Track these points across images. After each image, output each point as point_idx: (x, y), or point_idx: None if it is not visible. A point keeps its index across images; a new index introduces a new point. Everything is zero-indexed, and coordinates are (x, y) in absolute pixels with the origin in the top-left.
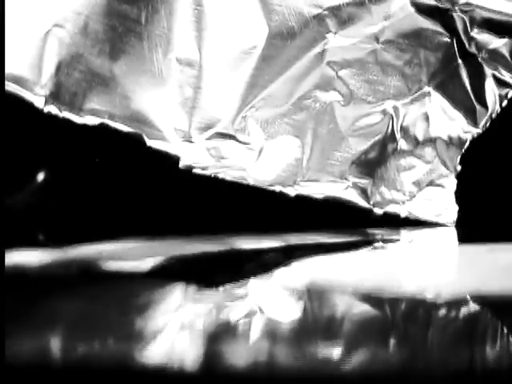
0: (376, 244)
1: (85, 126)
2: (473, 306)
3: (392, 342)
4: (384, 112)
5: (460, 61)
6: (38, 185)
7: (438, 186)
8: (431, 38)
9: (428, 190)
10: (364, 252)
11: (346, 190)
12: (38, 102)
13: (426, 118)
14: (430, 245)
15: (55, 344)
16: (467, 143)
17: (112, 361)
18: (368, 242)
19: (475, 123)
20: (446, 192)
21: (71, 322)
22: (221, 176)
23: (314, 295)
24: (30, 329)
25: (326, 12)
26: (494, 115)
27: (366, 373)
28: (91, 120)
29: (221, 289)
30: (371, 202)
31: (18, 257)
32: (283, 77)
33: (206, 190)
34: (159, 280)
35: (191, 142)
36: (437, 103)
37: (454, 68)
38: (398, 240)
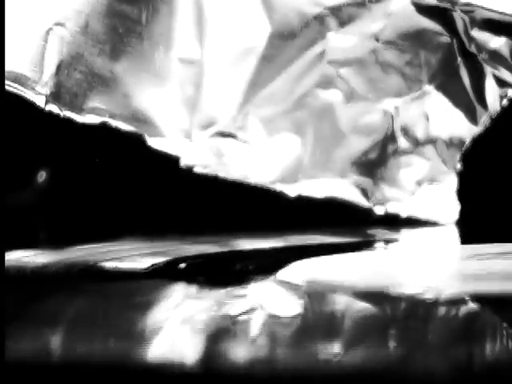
0: (376, 243)
1: (86, 126)
2: (473, 306)
3: (392, 340)
4: (384, 111)
5: (460, 60)
6: (38, 185)
7: (439, 185)
8: (431, 37)
9: (428, 189)
10: (364, 251)
11: (346, 189)
12: (39, 101)
13: (427, 117)
14: (430, 244)
15: (56, 343)
16: (467, 142)
17: (112, 359)
18: (368, 242)
19: (475, 122)
20: (446, 191)
21: (72, 320)
22: (221, 175)
23: (315, 294)
24: (31, 328)
25: (326, 11)
26: (494, 114)
27: (366, 371)
28: (92, 119)
29: (221, 288)
30: (371, 201)
31: (18, 257)
32: (284, 75)
33: (206, 189)
34: (159, 279)
35: (192, 140)
36: (437, 102)
37: (454, 68)
38: (399, 239)
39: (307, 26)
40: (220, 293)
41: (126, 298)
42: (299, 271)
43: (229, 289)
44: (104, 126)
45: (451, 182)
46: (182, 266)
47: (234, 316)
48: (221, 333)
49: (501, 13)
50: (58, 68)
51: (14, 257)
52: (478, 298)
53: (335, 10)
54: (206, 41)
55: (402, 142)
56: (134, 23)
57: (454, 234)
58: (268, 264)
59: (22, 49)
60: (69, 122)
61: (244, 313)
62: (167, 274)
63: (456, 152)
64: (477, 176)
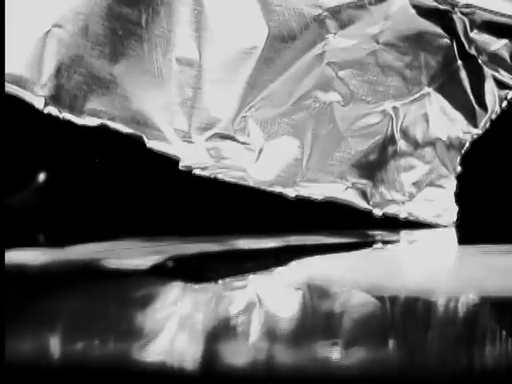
0: (376, 245)
1: (85, 127)
2: (472, 307)
3: (391, 340)
4: (384, 113)
5: (460, 62)
6: (38, 185)
7: (438, 186)
8: (431, 39)
9: (428, 190)
10: (364, 253)
11: (345, 191)
12: (38, 102)
13: (426, 119)
14: (429, 246)
15: (55, 342)
16: (467, 144)
17: (112, 358)
18: (368, 243)
19: (475, 124)
20: (445, 193)
21: (71, 320)
22: (220, 177)
23: (314, 293)
24: (30, 327)
25: (326, 13)
26: (493, 116)
27: (365, 371)
28: (91, 121)
29: (220, 287)
30: (371, 203)
31: (18, 256)
32: (283, 77)
33: (205, 191)
34: (159, 278)
35: (191, 142)
36: (437, 104)
37: (453, 70)
38: (398, 241)
39: (307, 28)
40: (219, 292)
41: (125, 296)
42: (298, 270)
43: (227, 288)
44: (103, 128)
45: (450, 184)
46: (182, 264)
47: (232, 316)
48: (219, 333)
49: (501, 15)
50: (58, 70)
51: (13, 256)
52: (477, 298)
53: (335, 12)
54: (205, 43)
55: (402, 144)
56: (134, 25)
57: (453, 235)
58: (267, 262)
59: (21, 51)
60: (68, 123)
61: (242, 312)
62: (166, 272)
63: (455, 154)
64: (476, 178)
